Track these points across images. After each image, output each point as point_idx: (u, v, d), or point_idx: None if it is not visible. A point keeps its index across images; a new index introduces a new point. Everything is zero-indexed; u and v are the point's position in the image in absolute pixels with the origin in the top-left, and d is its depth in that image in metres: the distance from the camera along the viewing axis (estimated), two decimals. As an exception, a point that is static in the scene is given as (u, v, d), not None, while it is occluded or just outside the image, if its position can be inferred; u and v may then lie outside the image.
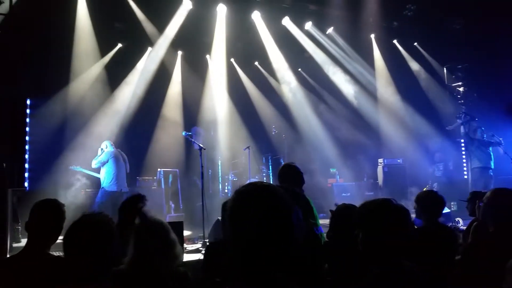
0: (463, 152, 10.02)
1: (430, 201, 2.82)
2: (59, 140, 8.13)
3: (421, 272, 1.69)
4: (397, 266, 1.68)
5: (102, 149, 7.42)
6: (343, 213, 2.52)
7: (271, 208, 1.16)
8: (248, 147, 9.01)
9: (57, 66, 8.21)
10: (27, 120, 5.97)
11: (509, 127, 9.25)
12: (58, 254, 2.30)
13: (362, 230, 1.75)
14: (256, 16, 9.94)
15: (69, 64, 8.39)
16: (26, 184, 5.73)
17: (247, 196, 1.19)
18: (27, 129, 5.95)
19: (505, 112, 8.04)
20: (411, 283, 1.65)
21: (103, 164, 7.22)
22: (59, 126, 8.16)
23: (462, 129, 8.52)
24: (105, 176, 7.20)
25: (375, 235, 1.70)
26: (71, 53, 8.40)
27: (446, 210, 3.54)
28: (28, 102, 5.98)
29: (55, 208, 2.37)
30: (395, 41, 10.80)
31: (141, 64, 9.78)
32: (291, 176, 3.54)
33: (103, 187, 7.21)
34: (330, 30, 10.48)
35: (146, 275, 1.99)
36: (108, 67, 9.19)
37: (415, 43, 10.62)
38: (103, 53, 9.10)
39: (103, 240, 1.77)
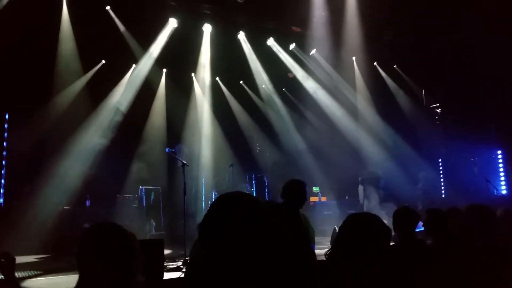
0: (441, 171, 10.28)
1: (404, 218, 2.89)
2: (39, 155, 7.94)
3: None
4: None
5: None
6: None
7: (248, 214, 1.15)
8: (232, 165, 9.00)
9: (39, 80, 8.11)
10: (5, 135, 5.86)
11: (484, 147, 9.57)
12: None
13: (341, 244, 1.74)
14: (242, 36, 10.15)
15: (52, 79, 8.32)
16: (1, 200, 5.57)
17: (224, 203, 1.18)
18: (5, 144, 5.83)
19: None
20: None
21: None
22: (39, 141, 7.98)
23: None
24: None
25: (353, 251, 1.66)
26: (54, 68, 8.34)
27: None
28: (6, 116, 5.88)
29: None
30: (375, 64, 11.15)
31: (124, 81, 9.77)
32: (292, 192, 3.58)
33: None
34: (313, 52, 10.76)
35: None
36: (91, 83, 9.13)
37: (395, 66, 10.97)
38: (86, 69, 9.07)
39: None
